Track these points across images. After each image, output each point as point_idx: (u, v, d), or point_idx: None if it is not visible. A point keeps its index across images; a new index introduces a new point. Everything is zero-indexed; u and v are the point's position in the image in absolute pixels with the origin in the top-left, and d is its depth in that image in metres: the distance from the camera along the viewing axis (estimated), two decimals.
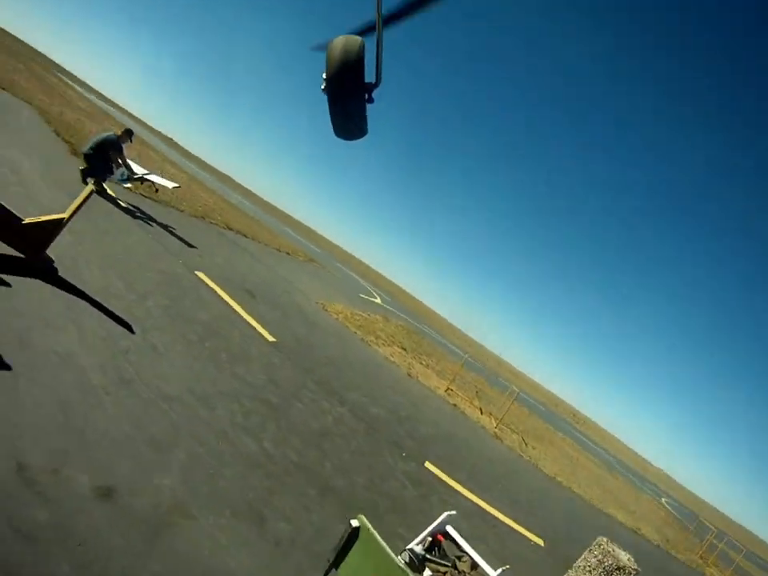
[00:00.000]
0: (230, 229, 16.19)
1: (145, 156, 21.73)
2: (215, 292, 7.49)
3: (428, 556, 3.30)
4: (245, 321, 7.08)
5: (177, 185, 11.85)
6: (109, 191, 9.66)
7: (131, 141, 10.45)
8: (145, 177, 10.67)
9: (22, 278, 4.16)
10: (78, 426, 2.96)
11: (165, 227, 9.84)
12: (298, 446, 4.50)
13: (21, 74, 23.38)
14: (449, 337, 53.14)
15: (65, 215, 4.54)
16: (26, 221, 4.33)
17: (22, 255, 4.39)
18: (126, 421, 3.29)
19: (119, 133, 9.85)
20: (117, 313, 4.65)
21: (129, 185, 10.26)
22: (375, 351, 11.35)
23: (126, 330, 4.48)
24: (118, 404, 3.39)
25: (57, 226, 4.50)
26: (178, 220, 11.93)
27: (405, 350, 14.33)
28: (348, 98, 1.79)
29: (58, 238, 4.62)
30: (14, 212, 4.26)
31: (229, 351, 5.59)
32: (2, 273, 4.01)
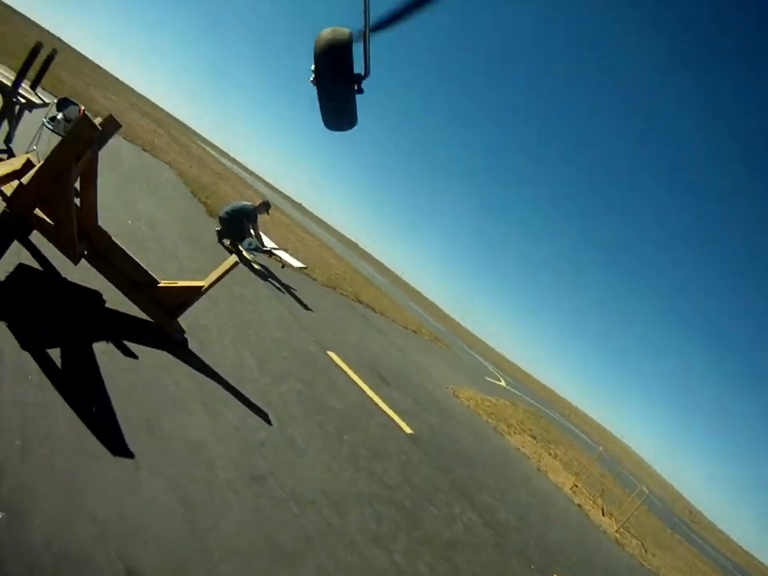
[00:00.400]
0: (360, 301, 16.66)
1: (275, 219, 23.10)
2: (349, 376, 7.43)
3: None
4: (381, 410, 6.99)
5: (304, 266, 12.20)
6: (244, 253, 10.08)
7: (268, 213, 11.12)
8: (273, 251, 11.04)
9: (149, 348, 4.05)
10: (199, 528, 2.67)
11: (297, 297, 10.02)
12: (429, 559, 4.21)
13: (161, 138, 26.21)
14: (572, 419, 52.39)
15: (204, 283, 4.43)
16: (162, 283, 4.29)
17: (151, 320, 4.34)
18: (254, 525, 3.00)
19: (257, 203, 10.60)
20: (251, 398, 4.45)
21: (255, 255, 10.60)
22: (507, 442, 11.51)
23: (261, 419, 4.25)
24: (246, 506, 3.10)
25: (194, 293, 4.41)
26: (311, 289, 12.31)
27: (534, 438, 14.66)
28: (337, 90, 1.84)
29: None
30: (150, 272, 4.25)
31: (367, 446, 5.40)
32: (130, 340, 3.91)
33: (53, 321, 3.55)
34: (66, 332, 3.53)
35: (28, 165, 4.00)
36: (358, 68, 1.77)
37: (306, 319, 8.87)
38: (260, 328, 6.55)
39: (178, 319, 4.49)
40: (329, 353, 7.80)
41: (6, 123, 6.45)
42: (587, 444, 26.45)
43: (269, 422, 4.29)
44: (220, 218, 10.02)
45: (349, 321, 12.04)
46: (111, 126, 4.15)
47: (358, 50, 1.70)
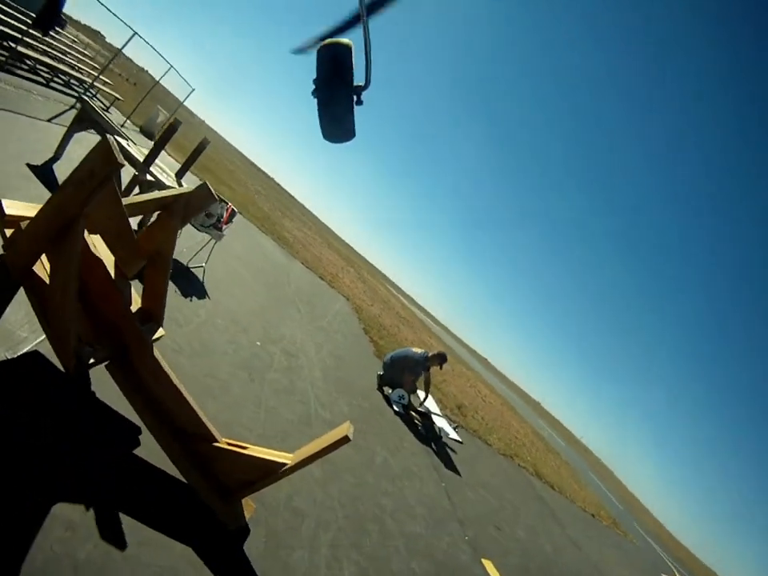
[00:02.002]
0: (539, 475, 14.45)
1: (457, 372, 21.94)
2: None
3: None
4: None
5: (461, 441, 10.17)
6: (394, 406, 8.34)
7: (440, 367, 9.45)
8: (432, 415, 9.26)
9: (166, 536, 2.42)
10: None
11: (462, 470, 8.01)
12: None
13: (347, 274, 27.00)
14: None
15: (290, 459, 2.74)
16: (222, 443, 2.74)
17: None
18: None
19: (431, 352, 9.08)
20: None
21: (402, 410, 8.68)
22: None
23: None
24: None
25: (270, 471, 2.72)
26: (485, 458, 10.50)
27: None
28: (337, 102, 1.90)
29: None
30: (212, 430, 2.73)
31: None
32: (141, 517, 2.40)
33: (35, 465, 2.17)
34: (43, 485, 2.10)
35: None
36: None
37: (468, 504, 6.76)
38: (394, 519, 4.59)
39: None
40: (483, 561, 5.46)
41: None
42: None
43: None
44: (384, 362, 8.90)
45: (523, 505, 9.64)
46: (201, 196, 3.08)
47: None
